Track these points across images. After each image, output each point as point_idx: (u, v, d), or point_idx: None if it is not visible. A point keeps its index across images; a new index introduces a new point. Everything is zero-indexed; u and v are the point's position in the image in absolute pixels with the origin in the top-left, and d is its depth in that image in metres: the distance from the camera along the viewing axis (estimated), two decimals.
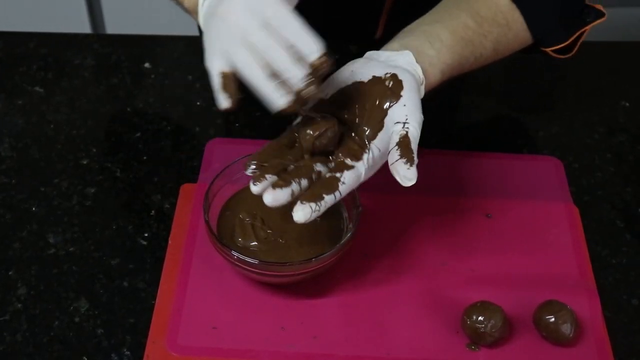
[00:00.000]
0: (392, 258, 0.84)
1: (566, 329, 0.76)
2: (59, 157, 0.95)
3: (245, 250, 0.79)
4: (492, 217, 0.89)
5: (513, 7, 0.84)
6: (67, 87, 1.04)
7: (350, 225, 0.80)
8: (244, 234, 0.81)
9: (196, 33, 1.26)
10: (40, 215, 0.88)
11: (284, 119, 0.71)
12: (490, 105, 1.05)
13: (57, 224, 0.87)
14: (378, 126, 0.74)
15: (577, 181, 0.94)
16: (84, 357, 0.76)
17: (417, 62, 0.77)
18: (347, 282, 0.82)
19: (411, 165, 0.71)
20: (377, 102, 0.75)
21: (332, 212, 0.83)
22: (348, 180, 0.72)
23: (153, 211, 0.89)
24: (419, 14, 0.85)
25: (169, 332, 0.77)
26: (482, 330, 0.75)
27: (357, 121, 0.75)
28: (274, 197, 0.70)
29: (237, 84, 0.69)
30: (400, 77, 0.75)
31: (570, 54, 0.90)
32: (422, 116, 0.74)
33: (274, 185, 0.71)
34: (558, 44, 0.88)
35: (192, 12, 0.79)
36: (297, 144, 0.75)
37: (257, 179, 0.71)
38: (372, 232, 0.86)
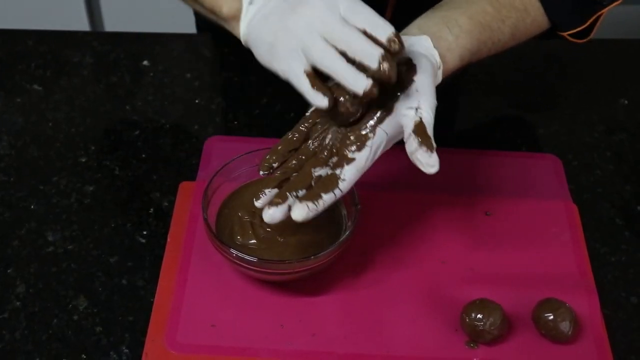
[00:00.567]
0: (391, 256, 0.84)
1: (565, 326, 0.76)
2: (58, 155, 0.95)
3: (244, 248, 0.79)
4: (491, 215, 0.89)
5: None
6: (66, 85, 1.04)
7: (349, 223, 0.80)
8: (242, 232, 0.81)
9: (195, 31, 1.26)
10: (39, 213, 0.88)
11: (343, 124, 0.73)
12: (489, 104, 1.05)
13: (55, 221, 0.87)
14: (387, 110, 0.72)
15: (577, 179, 0.94)
16: (83, 355, 0.76)
17: (434, 47, 0.77)
18: (346, 279, 0.82)
19: (432, 152, 0.71)
20: (392, 87, 0.72)
21: (331, 210, 0.83)
22: (348, 176, 0.71)
23: (152, 209, 0.89)
24: (424, 9, 0.85)
25: (167, 330, 0.77)
26: (481, 328, 0.75)
27: (369, 107, 0.73)
28: (271, 216, 0.73)
29: (324, 80, 0.70)
30: (414, 62, 0.74)
31: (587, 38, 0.90)
32: (435, 102, 0.73)
33: (271, 203, 0.73)
34: (575, 28, 0.88)
35: (230, 19, 0.78)
36: (308, 142, 0.75)
37: (257, 196, 0.75)
38: (371, 230, 0.86)
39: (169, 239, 0.85)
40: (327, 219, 0.82)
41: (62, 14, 1.88)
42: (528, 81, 1.09)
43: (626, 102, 1.06)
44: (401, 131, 0.72)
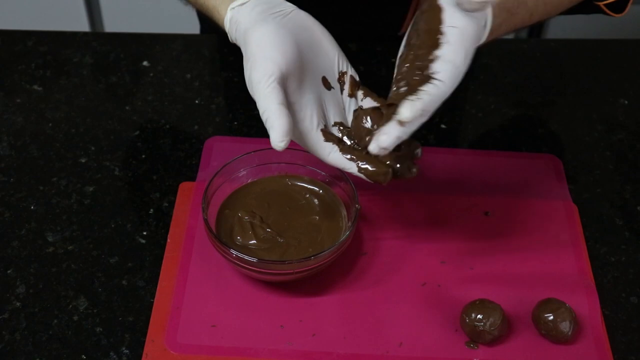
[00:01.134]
0: (390, 256, 0.84)
1: (565, 327, 0.76)
2: (58, 155, 0.95)
3: (244, 249, 0.79)
4: (490, 215, 0.89)
5: None
6: (65, 85, 1.04)
7: (349, 224, 0.80)
8: (242, 232, 0.81)
9: (195, 31, 1.26)
10: (38, 213, 0.88)
11: None
12: (488, 103, 1.05)
13: (55, 222, 0.87)
14: (438, 17, 0.70)
15: (576, 179, 0.94)
16: (83, 356, 0.76)
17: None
18: (346, 280, 0.82)
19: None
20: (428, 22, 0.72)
21: (331, 210, 0.83)
22: (439, 68, 0.69)
23: (152, 209, 0.89)
24: None
25: (168, 330, 0.77)
26: (481, 328, 0.75)
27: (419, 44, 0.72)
28: (387, 137, 0.69)
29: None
30: (439, 3, 0.71)
31: (622, 13, 0.89)
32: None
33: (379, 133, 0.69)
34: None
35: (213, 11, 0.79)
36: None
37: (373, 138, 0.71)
38: (370, 230, 0.86)
39: (169, 240, 0.85)
40: (327, 220, 0.82)
41: (62, 15, 1.88)
42: (528, 81, 1.09)
43: (626, 102, 1.06)
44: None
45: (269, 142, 0.69)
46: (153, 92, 1.03)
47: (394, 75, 0.74)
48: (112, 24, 1.94)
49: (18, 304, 0.80)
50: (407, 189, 0.90)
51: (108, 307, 0.80)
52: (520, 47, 1.15)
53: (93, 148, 0.96)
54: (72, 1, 1.88)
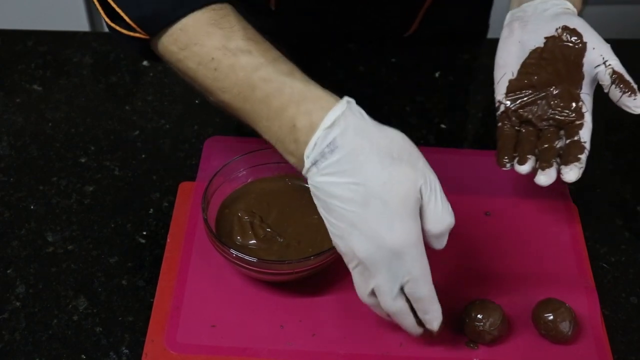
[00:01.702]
0: None
1: (565, 327, 0.76)
2: (58, 155, 0.95)
3: (244, 249, 0.79)
4: (491, 215, 0.89)
5: None
6: (65, 85, 1.04)
7: None
8: (242, 232, 0.81)
9: None
10: (38, 213, 0.88)
11: None
12: (489, 104, 1.04)
13: (55, 222, 0.87)
14: (579, 78, 0.80)
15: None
16: (83, 356, 0.76)
17: None
18: (346, 279, 0.82)
19: (636, 94, 0.78)
20: (570, 59, 0.80)
21: None
22: (585, 136, 0.81)
23: (151, 209, 0.89)
24: (456, 10, 0.87)
25: (167, 330, 0.77)
26: (481, 328, 0.75)
27: (556, 84, 0.81)
28: (549, 176, 0.79)
29: None
30: (571, 26, 0.79)
31: None
32: (608, 45, 0.80)
33: (542, 167, 0.80)
34: None
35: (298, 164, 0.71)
36: (520, 130, 0.84)
37: (522, 160, 0.81)
38: None
39: (168, 240, 0.85)
40: None
41: (62, 14, 1.88)
42: None
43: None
44: (596, 84, 0.81)
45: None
46: (153, 92, 1.03)
47: (505, 91, 0.84)
48: None
49: (18, 303, 0.80)
50: None
51: (108, 307, 0.80)
52: None
53: (93, 148, 0.96)
54: (72, 1, 1.88)
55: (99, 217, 0.88)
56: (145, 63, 1.07)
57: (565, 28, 0.80)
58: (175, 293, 0.80)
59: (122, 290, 0.81)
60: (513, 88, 0.84)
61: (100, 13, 0.76)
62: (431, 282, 0.69)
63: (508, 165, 0.83)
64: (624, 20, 1.87)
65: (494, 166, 0.92)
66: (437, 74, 1.06)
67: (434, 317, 0.71)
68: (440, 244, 0.70)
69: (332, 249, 0.77)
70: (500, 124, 0.84)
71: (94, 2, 0.76)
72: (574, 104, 0.82)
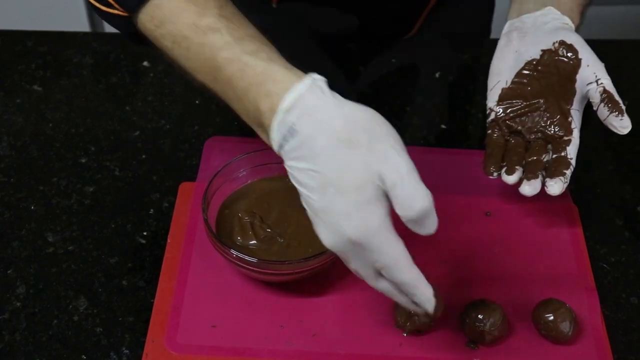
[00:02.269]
0: None
1: (565, 327, 0.76)
2: (58, 155, 0.95)
3: (244, 249, 0.79)
4: (491, 215, 0.89)
5: None
6: (65, 85, 1.04)
7: None
8: (243, 233, 0.81)
9: None
10: (39, 213, 0.88)
11: None
12: None
13: (55, 222, 0.87)
14: (571, 93, 0.80)
15: (576, 180, 0.94)
16: (83, 356, 0.76)
17: (562, 14, 0.83)
18: (346, 280, 0.82)
19: (622, 115, 0.79)
20: (564, 74, 0.80)
21: None
22: (572, 153, 0.81)
23: (152, 210, 0.89)
24: (458, 13, 0.87)
25: (168, 330, 0.77)
26: (481, 328, 0.75)
27: (548, 97, 0.82)
28: (533, 187, 0.80)
29: None
30: (568, 41, 0.80)
31: None
32: (602, 63, 0.81)
33: (528, 178, 0.81)
34: None
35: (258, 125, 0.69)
36: (509, 140, 0.85)
37: (510, 170, 0.82)
38: None
39: (169, 240, 0.85)
40: None
41: (62, 15, 1.88)
42: None
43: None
44: (587, 102, 0.81)
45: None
46: (153, 93, 1.03)
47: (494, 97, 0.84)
48: None
49: (18, 304, 0.80)
50: None
51: (108, 308, 0.80)
52: None
53: (93, 148, 0.96)
54: (72, 1, 1.88)
55: (99, 218, 0.88)
56: (145, 63, 1.07)
57: (562, 43, 0.81)
58: (175, 293, 0.80)
59: (122, 291, 0.81)
60: (505, 97, 0.84)
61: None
62: (410, 266, 0.65)
63: (495, 174, 0.83)
64: (625, 21, 1.87)
65: None
66: (437, 74, 1.06)
67: (423, 300, 0.66)
68: (423, 229, 0.65)
69: None
70: (489, 131, 0.85)
71: None
72: (563, 119, 0.82)
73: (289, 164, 0.65)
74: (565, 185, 0.80)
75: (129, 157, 0.95)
